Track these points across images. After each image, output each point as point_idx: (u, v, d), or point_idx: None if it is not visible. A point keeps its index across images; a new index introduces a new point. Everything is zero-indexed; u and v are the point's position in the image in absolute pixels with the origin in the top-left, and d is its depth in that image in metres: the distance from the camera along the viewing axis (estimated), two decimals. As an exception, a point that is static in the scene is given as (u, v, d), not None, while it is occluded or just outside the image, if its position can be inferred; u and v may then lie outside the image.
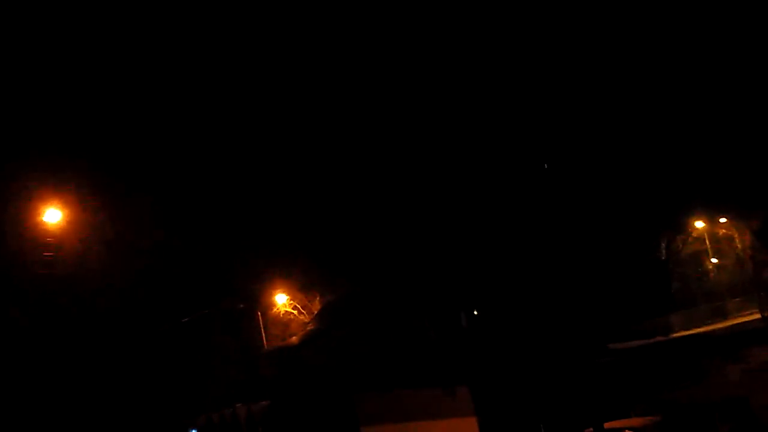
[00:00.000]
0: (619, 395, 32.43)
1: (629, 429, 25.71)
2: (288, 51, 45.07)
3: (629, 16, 49.07)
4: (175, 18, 42.29)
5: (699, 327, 53.17)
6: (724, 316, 55.88)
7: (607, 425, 26.42)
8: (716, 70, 49.92)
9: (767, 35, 46.53)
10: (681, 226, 59.86)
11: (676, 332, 52.01)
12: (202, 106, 43.22)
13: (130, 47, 41.15)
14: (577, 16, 48.36)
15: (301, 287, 47.83)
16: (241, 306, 45.06)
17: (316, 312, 47.45)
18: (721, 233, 61.09)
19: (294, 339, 45.69)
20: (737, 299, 58.21)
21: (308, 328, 45.87)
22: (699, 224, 60.59)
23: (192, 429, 37.30)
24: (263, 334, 45.95)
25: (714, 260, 61.26)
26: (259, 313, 46.24)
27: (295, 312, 48.16)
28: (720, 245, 61.11)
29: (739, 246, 60.27)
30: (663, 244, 59.04)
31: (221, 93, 43.85)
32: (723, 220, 60.42)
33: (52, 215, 32.14)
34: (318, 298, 47.84)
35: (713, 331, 50.68)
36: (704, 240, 61.13)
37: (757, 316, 51.10)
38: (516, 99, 47.02)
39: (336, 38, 44.75)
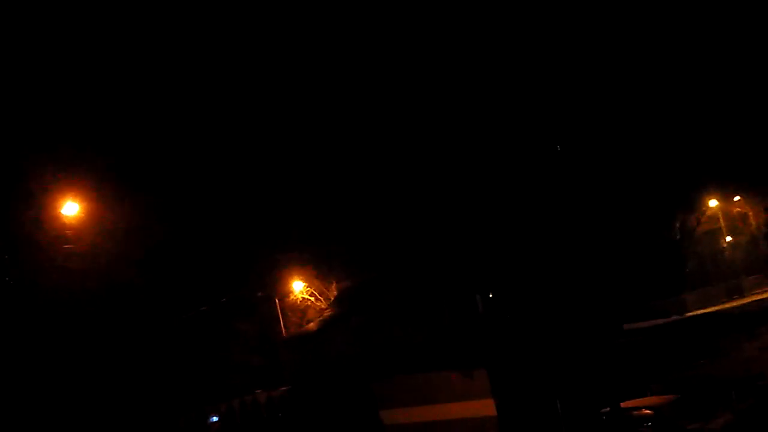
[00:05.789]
0: (636, 374, 32.50)
1: (646, 408, 25.78)
2: (294, 49, 45.21)
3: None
4: (191, 24, 42.65)
5: (714, 305, 53.19)
6: (741, 294, 55.88)
7: (624, 404, 26.52)
8: (730, 51, 49.79)
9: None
10: (694, 205, 59.85)
11: (692, 311, 52.05)
12: (220, 100, 43.51)
13: (145, 45, 41.48)
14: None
15: (318, 274, 48.09)
16: (259, 294, 45.45)
17: (332, 298, 47.78)
18: (735, 211, 61.11)
19: (312, 325, 46.09)
20: (753, 277, 58.22)
21: (325, 314, 46.26)
22: (713, 203, 60.56)
23: (213, 415, 37.75)
24: (281, 321, 46.32)
25: (728, 238, 61.23)
26: (277, 301, 46.59)
27: (312, 299, 48.45)
28: (734, 223, 61.08)
29: (753, 224, 60.28)
30: (677, 224, 59.04)
31: (239, 88, 44.12)
32: (737, 198, 60.41)
33: (70, 208, 32.48)
34: (334, 285, 48.09)
35: (729, 309, 50.68)
36: (718, 218, 61.08)
37: (773, 293, 51.24)
38: (528, 82, 46.96)
39: (346, 29, 44.83)
